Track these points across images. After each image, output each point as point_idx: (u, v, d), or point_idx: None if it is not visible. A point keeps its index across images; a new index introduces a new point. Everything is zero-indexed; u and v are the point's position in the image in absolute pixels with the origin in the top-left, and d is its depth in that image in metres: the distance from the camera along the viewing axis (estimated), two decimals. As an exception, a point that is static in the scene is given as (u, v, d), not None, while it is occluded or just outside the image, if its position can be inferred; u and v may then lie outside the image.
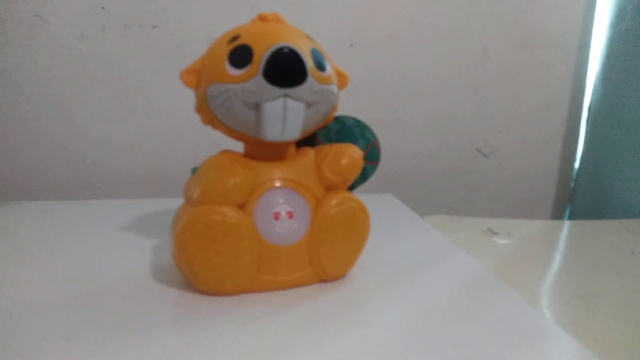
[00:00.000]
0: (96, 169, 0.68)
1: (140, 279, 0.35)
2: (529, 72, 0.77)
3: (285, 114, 0.29)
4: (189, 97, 0.69)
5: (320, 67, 0.31)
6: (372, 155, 0.41)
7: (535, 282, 0.44)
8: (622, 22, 0.72)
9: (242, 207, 0.31)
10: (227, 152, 0.34)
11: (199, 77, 0.32)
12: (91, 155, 0.67)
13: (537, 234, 0.58)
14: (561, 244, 0.56)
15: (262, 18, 0.32)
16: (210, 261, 0.31)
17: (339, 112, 0.37)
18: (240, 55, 0.29)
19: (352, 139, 0.40)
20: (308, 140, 0.39)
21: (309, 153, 0.35)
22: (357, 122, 0.41)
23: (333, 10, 0.69)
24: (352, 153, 0.34)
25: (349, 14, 0.70)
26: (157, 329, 0.28)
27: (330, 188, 0.34)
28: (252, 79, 0.29)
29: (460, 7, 0.73)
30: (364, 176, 0.41)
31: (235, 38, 0.30)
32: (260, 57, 0.28)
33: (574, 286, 0.43)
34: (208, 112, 0.32)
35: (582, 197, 0.81)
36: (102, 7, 0.63)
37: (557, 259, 0.51)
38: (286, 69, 0.28)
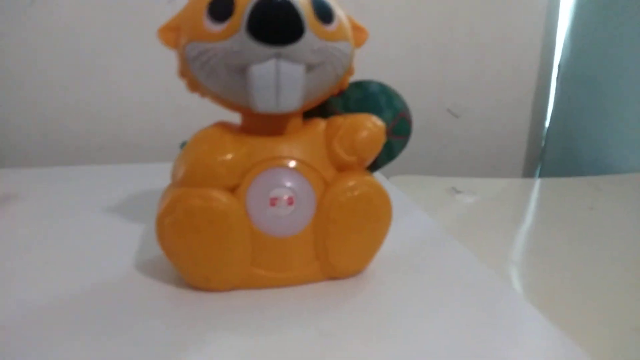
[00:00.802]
0: (59, 136, 0.67)
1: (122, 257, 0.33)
2: (497, 32, 0.76)
3: (278, 80, 0.24)
4: (152, 61, 0.68)
5: (325, 18, 0.24)
6: (401, 129, 0.34)
7: (493, 240, 0.44)
8: (590, -20, 0.72)
9: (232, 190, 0.26)
10: (220, 125, 0.28)
11: (178, 35, 0.26)
12: (53, 122, 0.66)
13: (501, 192, 0.59)
14: (523, 202, 0.57)
15: None
16: (194, 253, 0.26)
17: (369, 77, 0.32)
18: (221, 6, 0.23)
19: (377, 109, 0.33)
20: (322, 112, 0.32)
21: (319, 125, 0.29)
22: (383, 89, 0.33)
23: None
24: (371, 125, 0.28)
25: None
26: (133, 324, 0.25)
27: (343, 169, 0.28)
28: (234, 36, 0.23)
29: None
30: (390, 154, 0.34)
31: None
32: (244, 6, 0.22)
33: (529, 244, 0.44)
34: (190, 76, 0.26)
35: (552, 156, 0.82)
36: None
37: (517, 217, 0.52)
38: (275, 21, 0.22)
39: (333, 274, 0.29)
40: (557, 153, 0.80)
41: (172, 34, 0.26)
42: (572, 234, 0.46)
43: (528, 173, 0.86)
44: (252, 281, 0.28)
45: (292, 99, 0.25)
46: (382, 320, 0.26)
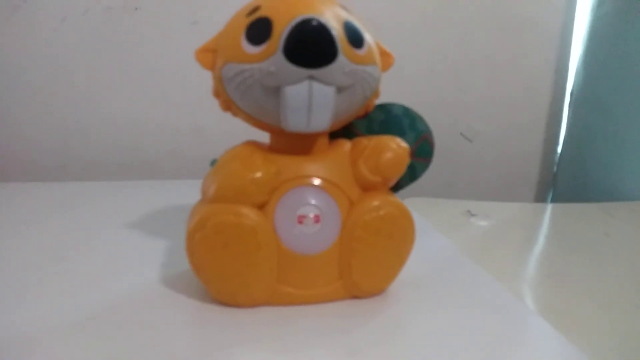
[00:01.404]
0: (79, 153, 0.68)
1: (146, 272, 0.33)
2: (511, 56, 0.77)
3: (310, 100, 0.25)
4: (173, 80, 0.70)
5: (356, 43, 0.26)
6: (423, 151, 0.35)
7: (508, 262, 0.45)
8: (602, 6, 0.73)
9: (261, 207, 0.27)
10: (249, 143, 0.29)
11: (215, 56, 0.28)
12: (75, 138, 0.67)
13: (515, 216, 0.59)
14: (538, 226, 0.58)
15: None
16: (222, 268, 0.27)
17: (384, 98, 0.33)
18: (259, 30, 0.25)
19: (400, 131, 0.34)
20: (346, 133, 0.33)
21: (344, 146, 0.30)
22: (407, 111, 0.34)
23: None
24: (396, 147, 0.28)
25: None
26: (157, 336, 0.26)
27: (367, 188, 0.29)
28: (271, 58, 0.24)
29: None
30: (412, 175, 0.35)
31: (256, 9, 0.26)
32: (281, 31, 0.23)
33: (544, 266, 0.44)
34: (225, 96, 0.28)
35: (564, 181, 0.82)
36: (85, -11, 0.63)
37: (532, 240, 0.52)
38: (311, 45, 0.23)
39: (356, 293, 0.30)
40: (569, 178, 0.81)
41: (208, 55, 0.28)
42: (587, 259, 0.46)
43: (540, 198, 0.86)
44: (278, 298, 0.28)
45: (322, 120, 0.26)
46: (406, 339, 0.26)
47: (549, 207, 0.67)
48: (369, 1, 0.70)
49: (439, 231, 0.45)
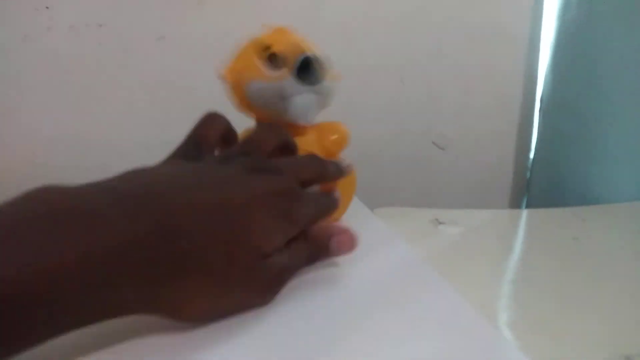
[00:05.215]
0: (42, 173, 0.67)
1: None
2: (481, 64, 0.78)
3: (310, 105, 0.38)
4: (140, 96, 0.69)
5: (330, 67, 0.39)
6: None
7: (473, 269, 0.44)
8: (568, 13, 0.74)
9: None
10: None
11: (236, 75, 0.39)
12: (39, 155, 0.66)
13: (484, 223, 0.59)
14: (506, 233, 0.58)
15: (279, 31, 0.40)
16: None
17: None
18: (276, 60, 0.37)
19: None
20: None
21: (314, 128, 0.42)
22: None
23: (283, 1, 0.69)
24: (342, 130, 0.43)
25: (299, 6, 0.69)
26: None
27: (327, 155, 0.42)
28: (286, 80, 0.36)
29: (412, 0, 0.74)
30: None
31: (269, 47, 0.37)
32: (292, 62, 0.36)
33: (509, 271, 0.44)
34: (246, 101, 0.39)
35: (538, 187, 0.82)
36: (47, 7, 0.62)
37: (499, 246, 0.52)
38: (313, 72, 0.37)
39: None
40: (543, 184, 0.81)
41: (230, 74, 0.39)
42: (555, 264, 0.46)
43: (515, 204, 0.86)
44: None
45: (314, 115, 0.40)
46: (347, 345, 0.26)
47: (522, 212, 0.67)
48: (341, 12, 0.71)
49: (406, 240, 0.45)
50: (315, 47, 0.39)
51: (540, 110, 0.81)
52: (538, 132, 0.82)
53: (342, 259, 0.38)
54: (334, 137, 0.42)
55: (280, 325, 0.29)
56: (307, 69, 0.36)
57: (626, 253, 0.49)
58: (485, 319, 0.30)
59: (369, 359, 0.26)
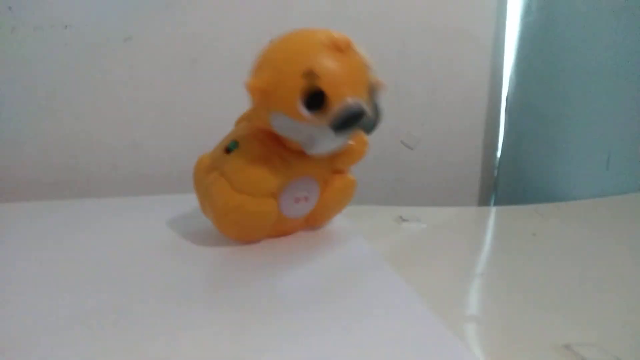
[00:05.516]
0: (8, 173, 0.66)
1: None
2: (447, 65, 0.79)
3: (335, 146, 0.36)
4: (107, 97, 0.69)
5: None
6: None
7: (431, 265, 0.45)
8: (529, 15, 0.76)
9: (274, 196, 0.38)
10: (264, 141, 0.37)
11: (264, 96, 0.33)
12: (5, 157, 0.66)
13: (448, 220, 0.60)
14: (468, 230, 0.59)
15: (336, 47, 0.33)
16: (243, 231, 0.39)
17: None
18: (315, 101, 0.32)
19: None
20: None
21: None
22: None
23: (248, 3, 0.69)
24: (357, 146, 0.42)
25: (263, 8, 0.70)
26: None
27: (335, 172, 0.42)
28: (320, 127, 0.32)
29: (378, 1, 0.75)
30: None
31: (311, 74, 0.31)
32: (333, 109, 0.32)
33: (465, 267, 0.45)
34: (267, 124, 0.35)
35: (505, 185, 0.84)
36: (10, 8, 0.62)
37: (459, 243, 0.53)
38: (352, 125, 0.32)
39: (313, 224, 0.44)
40: (509, 182, 0.83)
41: (258, 92, 0.33)
42: (513, 259, 0.47)
43: (483, 202, 0.88)
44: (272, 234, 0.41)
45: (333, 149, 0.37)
46: (303, 341, 0.27)
47: (485, 210, 0.69)
48: (306, 11, 0.72)
49: (368, 238, 0.46)
50: (375, 74, 0.36)
51: (505, 110, 0.83)
52: (504, 132, 0.83)
53: (299, 254, 0.39)
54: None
55: (228, 315, 0.30)
56: (349, 123, 0.32)
57: (580, 247, 0.51)
58: (427, 308, 0.31)
59: (313, 347, 0.26)
